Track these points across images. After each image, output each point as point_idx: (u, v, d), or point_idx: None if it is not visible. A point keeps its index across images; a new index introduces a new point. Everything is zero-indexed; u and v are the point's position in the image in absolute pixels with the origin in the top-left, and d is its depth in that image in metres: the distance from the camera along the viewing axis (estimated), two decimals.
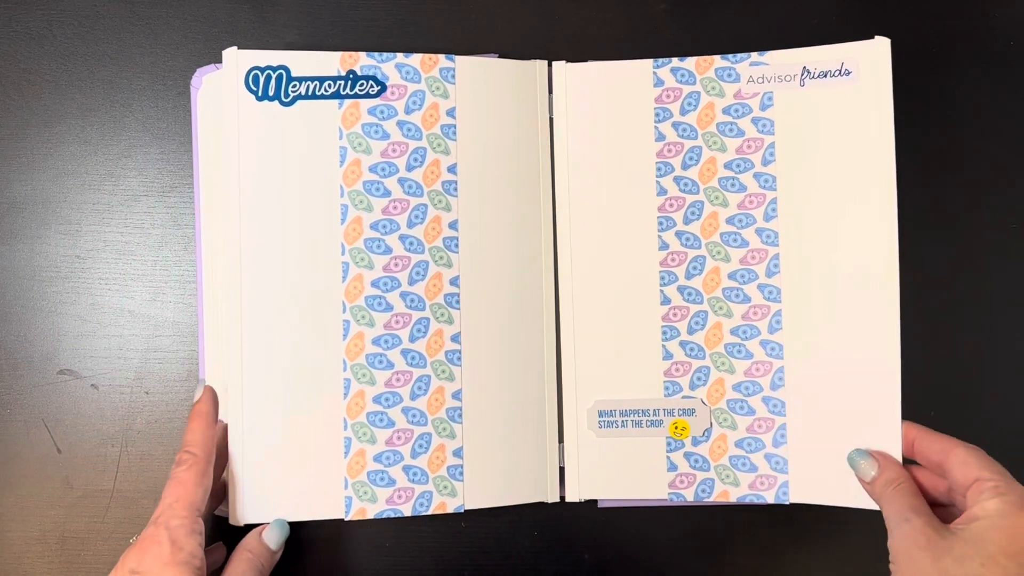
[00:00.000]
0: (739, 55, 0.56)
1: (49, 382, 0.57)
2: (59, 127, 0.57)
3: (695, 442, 0.56)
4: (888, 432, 0.52)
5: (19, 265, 0.57)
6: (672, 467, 0.56)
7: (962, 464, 0.47)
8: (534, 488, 0.56)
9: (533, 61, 0.57)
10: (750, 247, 0.55)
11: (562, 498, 0.56)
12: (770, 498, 0.54)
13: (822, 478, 0.54)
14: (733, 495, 0.55)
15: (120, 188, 0.57)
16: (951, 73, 0.58)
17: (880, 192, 0.53)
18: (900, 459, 0.51)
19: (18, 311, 0.57)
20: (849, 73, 0.53)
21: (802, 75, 0.54)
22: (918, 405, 0.56)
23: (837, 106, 0.54)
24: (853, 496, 0.52)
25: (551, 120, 0.57)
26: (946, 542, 0.44)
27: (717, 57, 0.56)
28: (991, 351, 0.58)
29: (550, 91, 0.57)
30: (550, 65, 0.57)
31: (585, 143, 0.57)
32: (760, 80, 0.55)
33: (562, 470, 0.56)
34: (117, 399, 0.57)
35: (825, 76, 0.54)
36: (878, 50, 0.53)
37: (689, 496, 0.55)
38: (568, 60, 0.57)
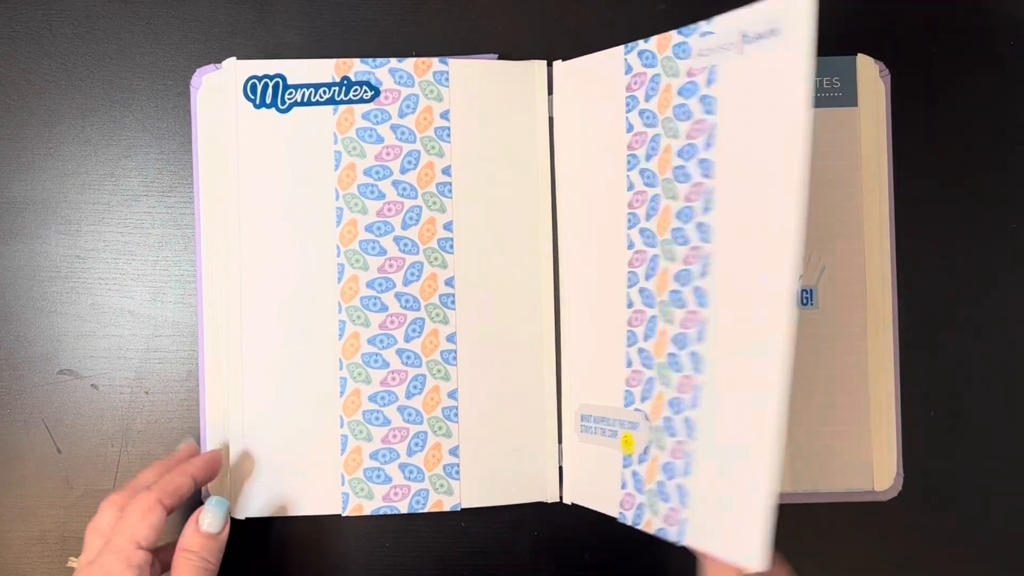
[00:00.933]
0: (692, 26, 0.48)
1: (49, 382, 0.57)
2: (59, 127, 0.58)
3: (640, 460, 0.50)
4: (757, 480, 0.42)
5: (19, 265, 0.57)
6: (623, 484, 0.51)
7: None
8: (533, 488, 0.56)
9: (529, 62, 0.57)
10: (690, 244, 0.48)
11: (562, 498, 0.56)
12: (673, 535, 0.47)
13: (715, 521, 0.45)
14: (654, 526, 0.49)
15: (120, 188, 0.58)
16: (950, 73, 0.58)
17: (791, 181, 0.41)
18: (768, 513, 0.41)
19: (18, 311, 0.57)
20: (778, 32, 0.43)
21: (741, 41, 0.45)
22: (919, 406, 0.56)
23: (767, 74, 0.44)
24: (740, 552, 0.43)
25: (551, 120, 0.57)
26: None
27: (674, 32, 0.49)
28: (991, 352, 0.57)
29: (550, 91, 0.57)
30: (550, 65, 0.57)
31: (576, 141, 0.56)
32: (707, 53, 0.47)
33: (561, 470, 0.56)
34: (117, 399, 0.57)
35: (760, 39, 0.44)
36: None
37: (629, 519, 0.50)
38: (567, 60, 0.56)
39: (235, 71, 0.55)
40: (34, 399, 0.57)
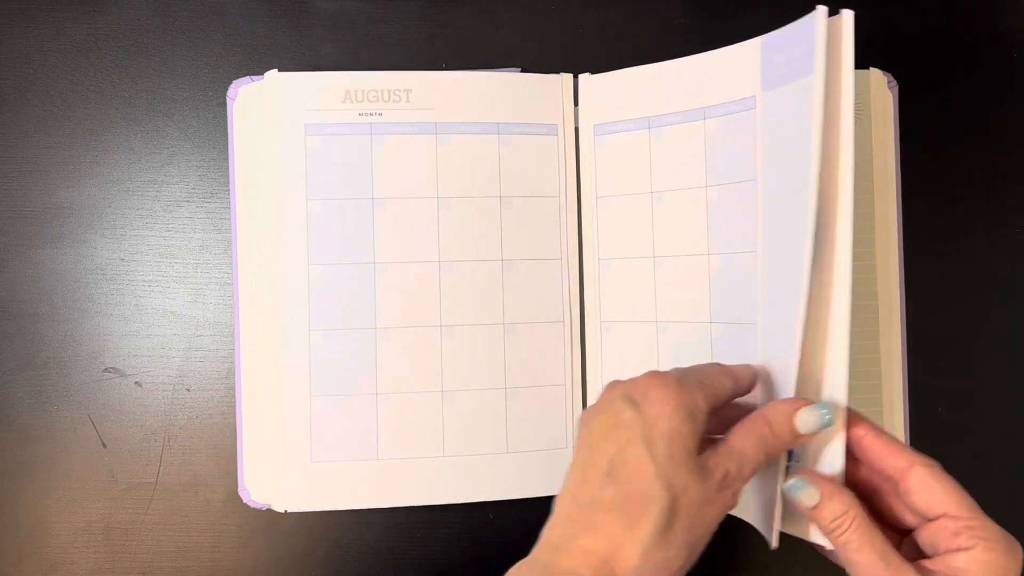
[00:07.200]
0: None
1: (95, 380, 0.58)
2: (104, 136, 0.59)
3: None
4: None
5: (66, 268, 0.58)
6: None
7: (925, 490, 0.40)
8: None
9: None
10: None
11: None
12: None
13: None
14: None
15: (163, 194, 0.59)
16: (954, 82, 0.60)
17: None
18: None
19: (65, 312, 0.58)
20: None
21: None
22: (924, 404, 0.57)
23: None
24: None
25: (576, 131, 0.58)
26: None
27: None
28: (995, 352, 0.59)
29: (576, 104, 0.58)
30: (575, 78, 0.58)
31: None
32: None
33: None
34: (160, 396, 0.58)
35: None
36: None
37: None
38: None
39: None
40: (81, 396, 0.58)
